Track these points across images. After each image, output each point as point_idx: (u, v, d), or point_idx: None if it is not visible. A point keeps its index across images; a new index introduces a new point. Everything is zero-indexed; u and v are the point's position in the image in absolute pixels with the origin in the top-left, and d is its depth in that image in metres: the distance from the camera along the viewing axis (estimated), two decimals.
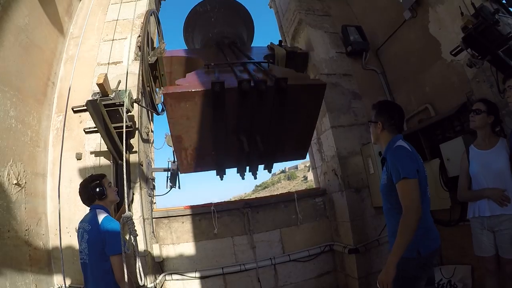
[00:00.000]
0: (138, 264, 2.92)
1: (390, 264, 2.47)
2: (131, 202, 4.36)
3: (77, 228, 3.31)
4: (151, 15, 5.35)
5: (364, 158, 5.48)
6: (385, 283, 2.46)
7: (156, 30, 6.01)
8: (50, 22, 4.94)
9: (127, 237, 3.17)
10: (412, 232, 2.45)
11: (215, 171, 4.56)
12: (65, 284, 3.93)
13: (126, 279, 2.93)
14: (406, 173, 2.56)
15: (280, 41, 6.41)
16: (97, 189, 3.30)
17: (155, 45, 5.66)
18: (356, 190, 5.37)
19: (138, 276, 2.91)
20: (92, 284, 3.13)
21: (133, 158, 4.60)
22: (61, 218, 4.33)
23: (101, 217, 3.17)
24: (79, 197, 4.10)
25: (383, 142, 2.95)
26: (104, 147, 4.45)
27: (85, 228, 3.18)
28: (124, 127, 3.78)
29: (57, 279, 4.24)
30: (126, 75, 4.43)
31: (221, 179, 4.74)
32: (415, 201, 2.52)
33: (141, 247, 4.33)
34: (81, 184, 3.44)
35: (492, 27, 3.46)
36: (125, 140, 3.91)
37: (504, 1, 4.17)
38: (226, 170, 4.63)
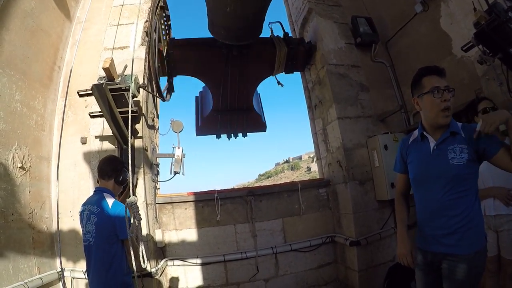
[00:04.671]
0: (142, 247, 2.96)
1: None
2: (135, 186, 4.39)
3: (80, 211, 3.32)
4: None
5: (370, 151, 5.45)
6: None
7: (164, 16, 5.96)
8: (56, 7, 4.90)
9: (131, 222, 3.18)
10: None
11: None
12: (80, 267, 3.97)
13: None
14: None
15: (286, 33, 6.36)
16: (124, 174, 3.33)
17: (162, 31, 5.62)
18: (360, 182, 5.35)
19: (141, 259, 2.95)
20: (96, 266, 3.14)
21: (138, 143, 4.60)
22: (65, 201, 4.39)
23: (110, 201, 3.17)
24: (83, 181, 4.14)
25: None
26: (109, 132, 4.45)
27: (92, 211, 3.16)
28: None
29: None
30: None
31: None
32: None
33: (143, 232, 4.35)
34: (112, 158, 3.52)
35: (504, 24, 3.38)
36: (126, 125, 3.91)
37: None
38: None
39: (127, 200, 2.98)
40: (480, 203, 2.44)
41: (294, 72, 6.70)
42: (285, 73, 6.59)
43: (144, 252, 2.97)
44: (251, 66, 6.09)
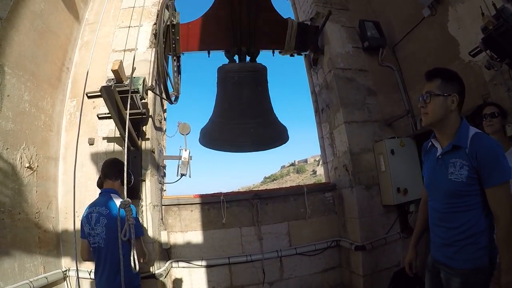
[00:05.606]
0: (133, 251, 2.93)
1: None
2: (140, 188, 4.42)
3: (86, 213, 3.32)
4: (167, 3, 5.31)
5: (376, 155, 5.43)
6: None
7: (172, 18, 5.98)
8: (65, 8, 4.93)
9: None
10: None
11: None
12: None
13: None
14: (506, 174, 2.09)
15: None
16: (129, 175, 3.34)
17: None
18: (367, 187, 5.33)
19: (132, 263, 2.92)
20: (105, 267, 3.15)
21: (145, 145, 4.62)
22: (71, 201, 4.39)
23: (118, 202, 3.18)
24: (89, 181, 4.14)
25: (451, 125, 2.34)
26: (117, 133, 4.47)
27: (101, 212, 3.18)
28: (125, 114, 3.78)
29: (65, 262, 4.31)
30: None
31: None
32: None
33: (149, 233, 4.37)
34: (116, 160, 3.59)
35: None
36: (134, 127, 3.93)
37: None
38: None
39: (121, 201, 2.99)
40: (491, 219, 2.21)
41: (303, 54, 6.41)
42: (296, 53, 6.07)
43: (135, 256, 2.94)
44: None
